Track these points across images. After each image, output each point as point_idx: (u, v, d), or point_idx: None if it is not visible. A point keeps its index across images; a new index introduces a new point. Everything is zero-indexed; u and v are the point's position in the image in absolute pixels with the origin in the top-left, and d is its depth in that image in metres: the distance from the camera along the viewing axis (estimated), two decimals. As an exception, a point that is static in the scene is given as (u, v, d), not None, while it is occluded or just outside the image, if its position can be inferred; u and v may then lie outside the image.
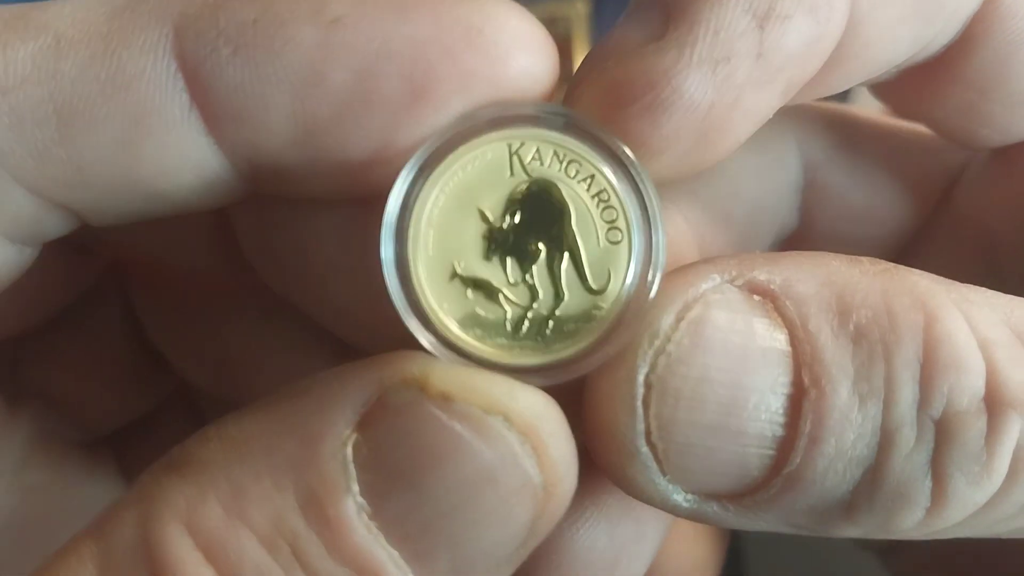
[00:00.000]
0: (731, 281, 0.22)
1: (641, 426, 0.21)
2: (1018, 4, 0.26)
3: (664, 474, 0.22)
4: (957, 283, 0.22)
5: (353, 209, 0.28)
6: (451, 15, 0.22)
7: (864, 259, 0.22)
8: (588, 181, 0.23)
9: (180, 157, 0.24)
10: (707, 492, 0.22)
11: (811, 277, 0.21)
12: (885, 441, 0.20)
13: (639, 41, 0.23)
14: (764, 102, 0.23)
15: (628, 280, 0.23)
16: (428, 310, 0.22)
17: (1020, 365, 0.20)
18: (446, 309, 0.22)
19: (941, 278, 0.22)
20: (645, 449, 0.22)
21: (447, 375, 0.20)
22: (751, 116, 0.24)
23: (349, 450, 0.20)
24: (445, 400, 0.20)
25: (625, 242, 0.23)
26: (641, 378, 0.21)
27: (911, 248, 0.33)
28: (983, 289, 0.22)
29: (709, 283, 0.22)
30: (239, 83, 0.22)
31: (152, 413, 0.41)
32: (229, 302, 0.37)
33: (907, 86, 0.28)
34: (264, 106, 0.23)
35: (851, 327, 0.20)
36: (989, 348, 0.20)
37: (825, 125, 0.33)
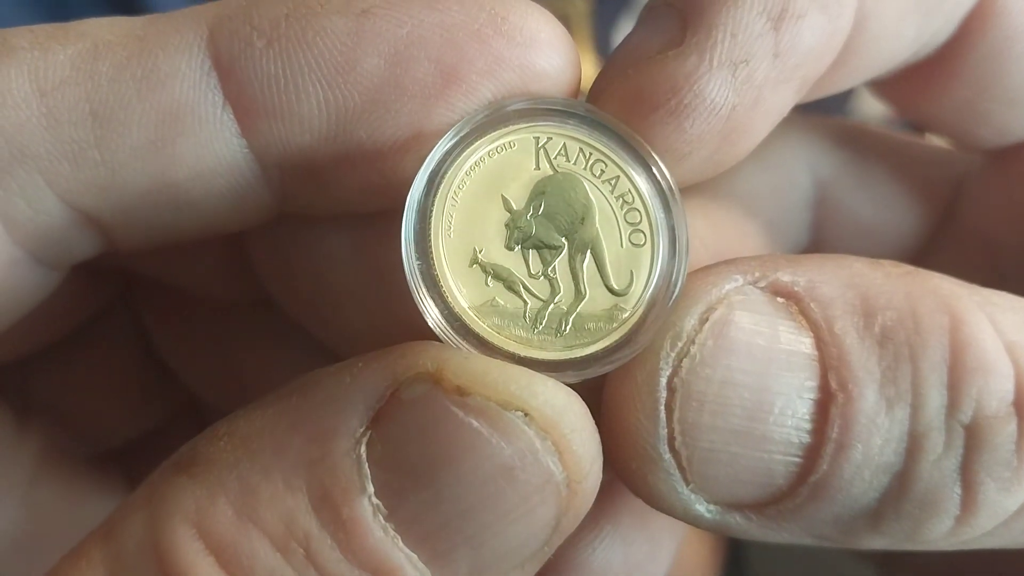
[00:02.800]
0: (754, 283, 0.22)
1: (664, 431, 0.21)
2: (1013, 1, 0.26)
3: (687, 483, 0.21)
4: (979, 287, 0.22)
5: (369, 231, 0.28)
6: (478, 3, 0.22)
7: (885, 262, 0.22)
8: (613, 182, 0.23)
9: (212, 159, 0.24)
10: (731, 502, 0.21)
11: (835, 279, 0.21)
12: (913, 446, 0.20)
13: (658, 47, 0.23)
14: (781, 100, 0.24)
15: (651, 283, 0.23)
16: (447, 293, 0.21)
17: None
18: (464, 295, 0.22)
19: (963, 282, 0.22)
20: (668, 456, 0.21)
21: (462, 367, 0.20)
22: (770, 115, 0.24)
23: (363, 448, 0.20)
24: (461, 394, 0.19)
25: (648, 245, 0.23)
26: (664, 381, 0.21)
27: (919, 259, 0.33)
28: (1005, 293, 0.22)
29: (732, 284, 0.21)
30: (273, 75, 0.23)
31: (161, 427, 0.40)
32: (240, 318, 0.37)
33: (907, 85, 0.29)
34: (297, 97, 0.23)
35: (876, 329, 0.20)
36: (1016, 351, 0.20)
37: (834, 142, 0.33)
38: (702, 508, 0.21)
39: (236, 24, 0.23)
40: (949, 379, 0.19)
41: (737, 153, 0.24)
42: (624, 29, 1.52)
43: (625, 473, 0.22)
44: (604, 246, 0.23)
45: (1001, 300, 0.21)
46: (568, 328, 0.22)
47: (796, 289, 0.21)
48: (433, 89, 0.23)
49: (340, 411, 0.20)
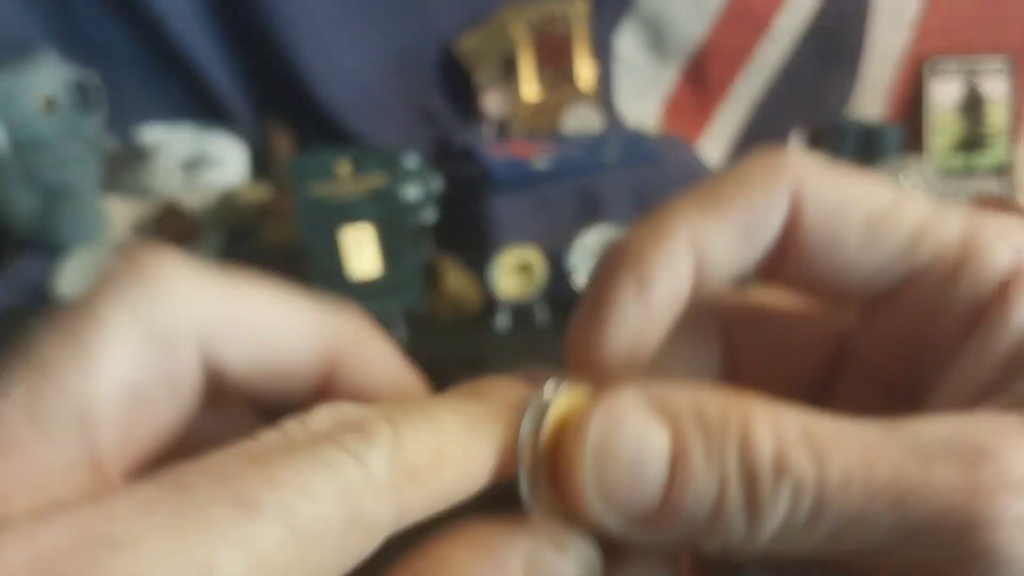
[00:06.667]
0: (634, 395, 0.27)
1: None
2: (813, 191, 0.29)
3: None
4: (781, 403, 0.26)
5: None
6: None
7: (728, 390, 0.27)
8: None
9: None
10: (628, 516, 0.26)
11: (686, 396, 0.26)
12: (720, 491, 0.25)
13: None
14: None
15: None
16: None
17: (803, 448, 0.25)
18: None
19: (770, 399, 0.26)
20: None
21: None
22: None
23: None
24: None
25: None
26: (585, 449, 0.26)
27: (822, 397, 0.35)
28: (797, 408, 0.26)
29: (622, 399, 0.26)
30: None
31: None
32: None
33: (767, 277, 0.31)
34: None
35: (703, 430, 0.26)
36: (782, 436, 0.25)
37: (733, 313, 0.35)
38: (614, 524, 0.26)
39: None
40: (739, 452, 0.25)
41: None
42: (625, 32, 1.51)
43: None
44: None
45: (787, 409, 0.25)
46: None
47: (661, 402, 0.26)
48: None
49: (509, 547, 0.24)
